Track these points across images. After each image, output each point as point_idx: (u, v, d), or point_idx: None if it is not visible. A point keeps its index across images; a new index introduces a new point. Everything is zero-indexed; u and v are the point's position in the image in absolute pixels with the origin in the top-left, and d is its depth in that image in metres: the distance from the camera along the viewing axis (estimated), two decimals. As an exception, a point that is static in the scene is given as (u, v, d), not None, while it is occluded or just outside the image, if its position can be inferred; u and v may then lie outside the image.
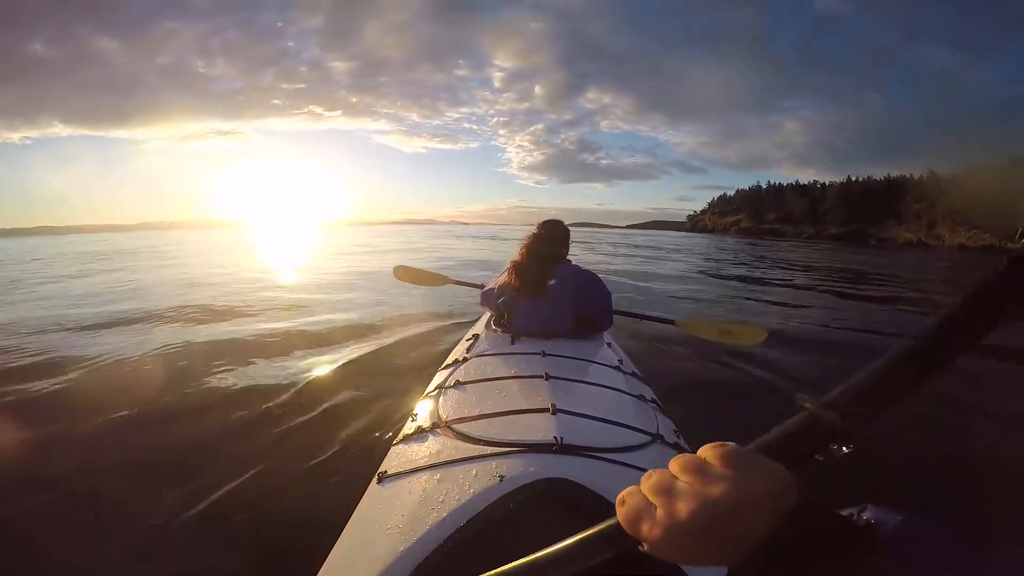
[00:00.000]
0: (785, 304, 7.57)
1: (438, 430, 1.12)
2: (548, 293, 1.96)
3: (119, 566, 1.57)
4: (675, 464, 0.36)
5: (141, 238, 46.81)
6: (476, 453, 0.97)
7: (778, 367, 3.70)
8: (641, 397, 1.43)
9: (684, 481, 0.34)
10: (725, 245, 32.45)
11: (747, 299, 8.11)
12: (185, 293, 7.31)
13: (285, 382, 3.03)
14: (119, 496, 1.87)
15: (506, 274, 2.09)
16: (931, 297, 9.44)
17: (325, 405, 2.68)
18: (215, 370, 3.31)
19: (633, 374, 1.74)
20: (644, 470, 0.80)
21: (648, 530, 0.34)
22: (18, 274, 11.53)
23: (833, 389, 0.38)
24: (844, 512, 0.35)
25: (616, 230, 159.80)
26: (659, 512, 0.34)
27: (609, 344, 2.05)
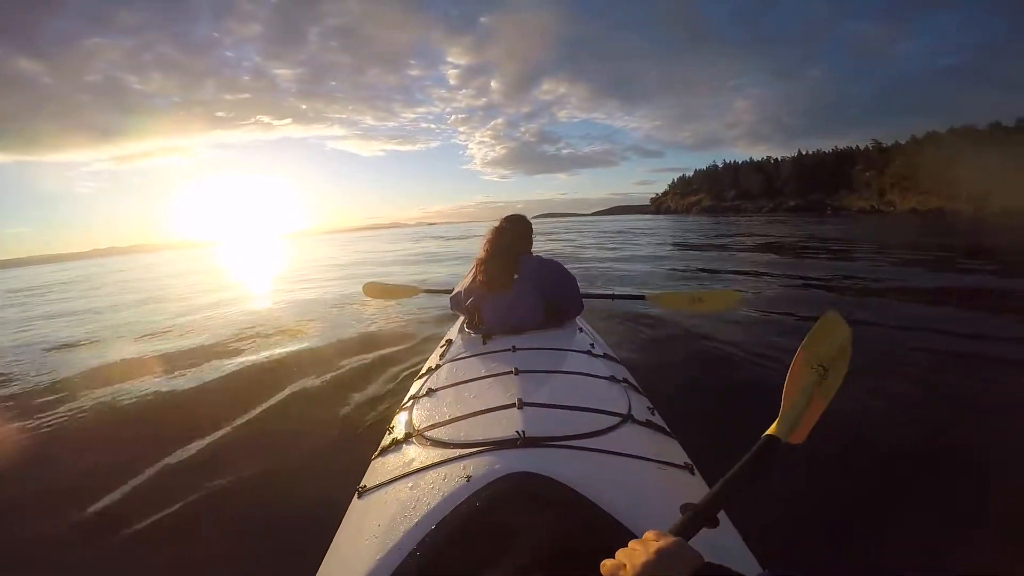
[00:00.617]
0: (748, 273, 7.74)
1: (412, 439, 1.14)
2: (515, 288, 1.94)
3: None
4: (622, 552, 0.59)
5: (95, 265, 45.32)
6: (446, 457, 0.98)
7: (743, 331, 3.76)
8: (612, 378, 1.43)
9: (629, 559, 0.56)
10: (689, 225, 33.13)
11: (714, 272, 8.31)
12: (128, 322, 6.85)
13: (267, 407, 3.00)
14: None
15: (472, 274, 2.08)
16: (879, 256, 9.84)
17: (305, 427, 2.68)
18: (201, 404, 3.21)
19: (605, 356, 1.74)
20: (612, 453, 0.98)
21: None
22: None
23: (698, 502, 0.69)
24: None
25: (583, 218, 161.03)
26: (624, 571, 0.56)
27: (581, 329, 2.04)
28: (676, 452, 1.14)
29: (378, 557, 0.78)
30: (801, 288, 6.15)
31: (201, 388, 3.55)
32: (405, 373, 3.41)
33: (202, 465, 2.34)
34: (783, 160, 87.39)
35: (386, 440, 1.24)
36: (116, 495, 2.13)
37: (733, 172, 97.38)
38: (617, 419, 1.12)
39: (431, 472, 0.95)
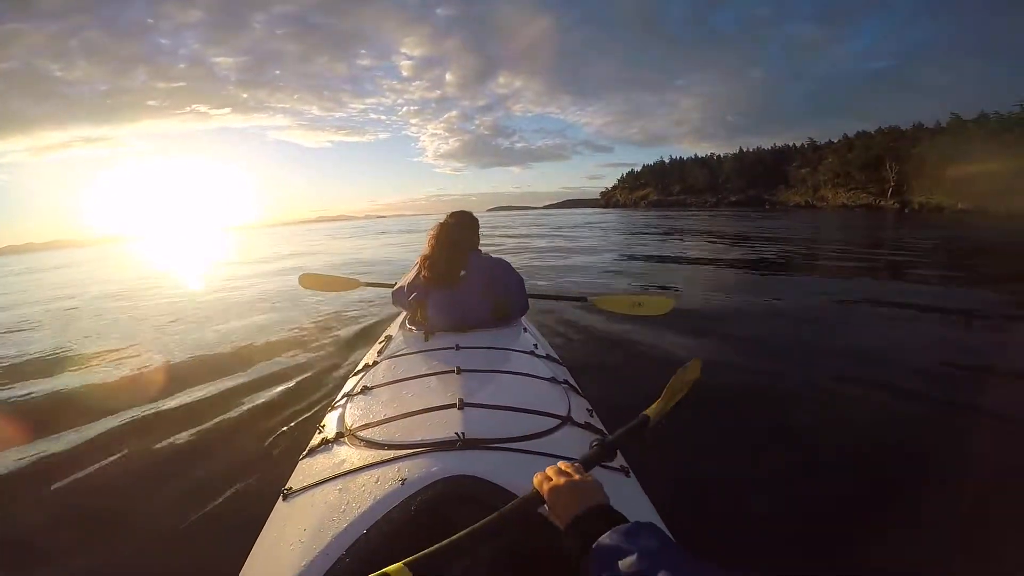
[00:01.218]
0: (688, 269, 8.11)
1: (343, 439, 1.09)
2: (461, 284, 1.90)
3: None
4: (552, 468, 0.73)
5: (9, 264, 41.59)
6: (379, 459, 0.95)
7: (680, 332, 3.86)
8: (554, 380, 1.40)
9: (560, 474, 0.71)
10: (636, 218, 34.03)
11: (656, 268, 8.69)
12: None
13: (186, 409, 2.86)
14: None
15: (416, 269, 2.02)
16: (807, 250, 10.80)
17: (227, 425, 2.59)
18: (108, 404, 2.97)
19: (548, 357, 1.72)
20: (550, 456, 0.98)
21: (546, 489, 0.69)
22: None
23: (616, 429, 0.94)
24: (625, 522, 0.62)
25: (535, 211, 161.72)
26: (551, 480, 0.70)
27: (526, 330, 2.01)
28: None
29: (304, 562, 0.75)
30: (733, 291, 6.34)
31: (97, 386, 3.37)
32: (340, 370, 3.30)
33: (114, 467, 2.23)
34: (726, 156, 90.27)
35: (315, 440, 1.18)
36: (20, 505, 2.06)
37: (679, 167, 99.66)
38: (557, 421, 1.12)
39: (363, 474, 0.91)
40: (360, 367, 1.73)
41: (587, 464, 0.81)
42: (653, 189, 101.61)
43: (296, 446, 1.21)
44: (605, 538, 0.58)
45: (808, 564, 1.56)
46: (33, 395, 3.42)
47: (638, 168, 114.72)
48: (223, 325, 5.29)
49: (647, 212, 54.17)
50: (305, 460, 1.12)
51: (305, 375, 3.30)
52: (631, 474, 1.11)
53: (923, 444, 2.29)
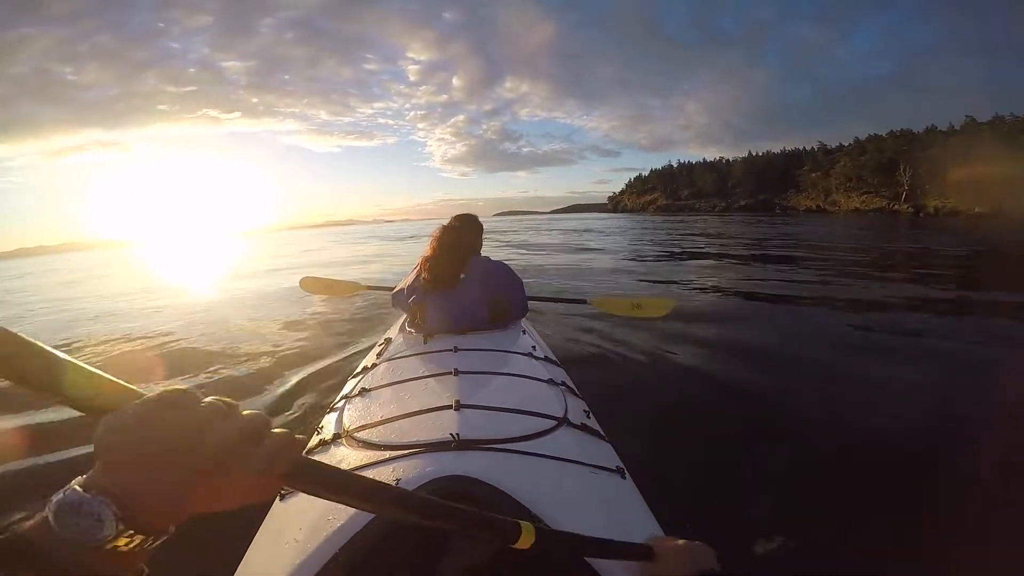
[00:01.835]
0: (695, 273, 7.99)
1: (340, 440, 1.10)
2: (460, 287, 1.91)
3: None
4: None
5: (11, 268, 42.04)
6: (375, 459, 0.95)
7: (678, 338, 3.81)
8: (551, 382, 1.41)
9: None
10: (645, 223, 33.97)
11: (663, 270, 8.55)
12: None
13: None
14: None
15: (416, 271, 2.04)
16: (820, 255, 10.27)
17: None
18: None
19: (546, 359, 1.72)
20: (545, 457, 0.98)
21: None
22: None
23: None
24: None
25: (543, 216, 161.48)
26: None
27: (524, 332, 2.02)
28: (609, 456, 1.14)
29: (298, 561, 0.75)
30: (740, 295, 6.25)
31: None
32: (340, 372, 3.27)
33: None
34: (735, 160, 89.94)
35: (313, 441, 1.18)
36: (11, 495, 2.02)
37: (688, 171, 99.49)
38: (553, 422, 1.12)
39: (359, 474, 0.82)
40: (359, 369, 1.74)
41: None
42: (661, 194, 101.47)
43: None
44: None
45: (805, 565, 1.56)
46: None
47: (646, 172, 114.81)
48: (224, 328, 5.28)
49: (654, 217, 53.99)
50: None
51: (304, 377, 3.28)
52: (627, 475, 1.10)
53: (921, 448, 2.26)
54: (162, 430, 0.34)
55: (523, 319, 2.21)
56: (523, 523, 0.52)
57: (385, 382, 1.38)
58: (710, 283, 7.02)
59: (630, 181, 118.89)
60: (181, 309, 6.77)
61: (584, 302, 2.78)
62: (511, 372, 1.44)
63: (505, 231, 28.17)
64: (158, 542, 0.35)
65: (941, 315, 4.84)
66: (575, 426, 1.15)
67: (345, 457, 1.01)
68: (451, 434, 0.97)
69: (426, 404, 1.14)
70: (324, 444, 1.10)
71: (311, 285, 3.33)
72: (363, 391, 1.35)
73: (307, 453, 1.07)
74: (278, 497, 0.98)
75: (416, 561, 0.74)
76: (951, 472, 2.03)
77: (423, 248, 2.05)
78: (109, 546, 0.31)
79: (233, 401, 0.39)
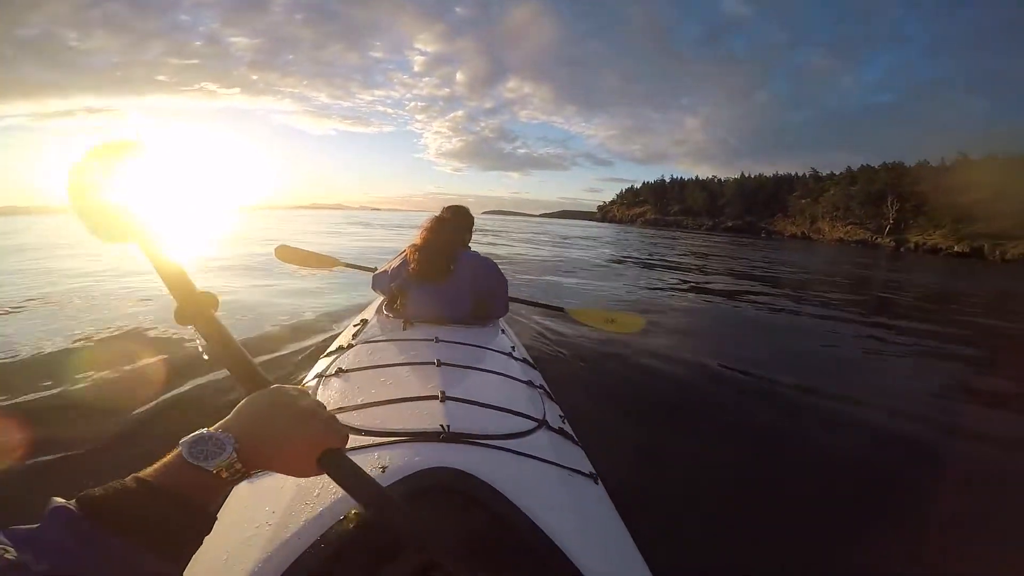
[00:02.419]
0: (671, 290, 8.24)
1: None
2: (448, 279, 1.91)
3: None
4: None
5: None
6: (357, 444, 0.91)
7: (653, 351, 3.86)
8: (530, 383, 1.42)
9: None
10: (632, 236, 34.04)
11: (642, 285, 8.68)
12: None
13: (135, 379, 2.68)
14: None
15: (402, 258, 2.02)
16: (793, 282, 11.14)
17: (186, 400, 2.39)
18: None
19: (524, 360, 1.73)
20: (528, 457, 0.99)
21: None
22: None
23: None
24: None
25: (532, 219, 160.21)
26: None
27: (503, 331, 2.02)
28: (583, 461, 1.13)
29: (274, 546, 0.70)
30: (713, 313, 6.61)
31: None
32: (310, 349, 3.23)
33: (83, 457, 1.95)
34: (727, 180, 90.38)
35: None
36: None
37: (679, 187, 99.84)
38: (534, 424, 1.12)
39: None
40: (334, 348, 1.71)
41: None
42: (651, 207, 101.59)
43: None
44: None
45: (777, 572, 1.58)
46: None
47: (638, 184, 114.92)
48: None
49: (644, 229, 53.96)
50: None
51: (273, 354, 3.20)
52: (599, 481, 1.08)
53: (890, 461, 2.43)
54: (280, 408, 0.51)
55: (502, 319, 2.20)
56: None
57: (363, 365, 1.35)
58: (683, 302, 7.25)
59: (622, 192, 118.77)
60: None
61: (562, 310, 2.79)
62: (493, 369, 1.42)
63: (487, 230, 27.63)
64: (242, 480, 0.47)
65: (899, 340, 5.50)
66: (553, 429, 1.14)
67: None
68: (441, 425, 0.95)
69: (410, 392, 1.12)
70: None
71: (287, 255, 3.16)
72: (340, 371, 1.31)
73: None
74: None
75: (405, 550, 0.68)
76: (906, 483, 2.21)
77: (414, 235, 2.03)
78: (215, 470, 0.44)
79: (321, 401, 0.56)
